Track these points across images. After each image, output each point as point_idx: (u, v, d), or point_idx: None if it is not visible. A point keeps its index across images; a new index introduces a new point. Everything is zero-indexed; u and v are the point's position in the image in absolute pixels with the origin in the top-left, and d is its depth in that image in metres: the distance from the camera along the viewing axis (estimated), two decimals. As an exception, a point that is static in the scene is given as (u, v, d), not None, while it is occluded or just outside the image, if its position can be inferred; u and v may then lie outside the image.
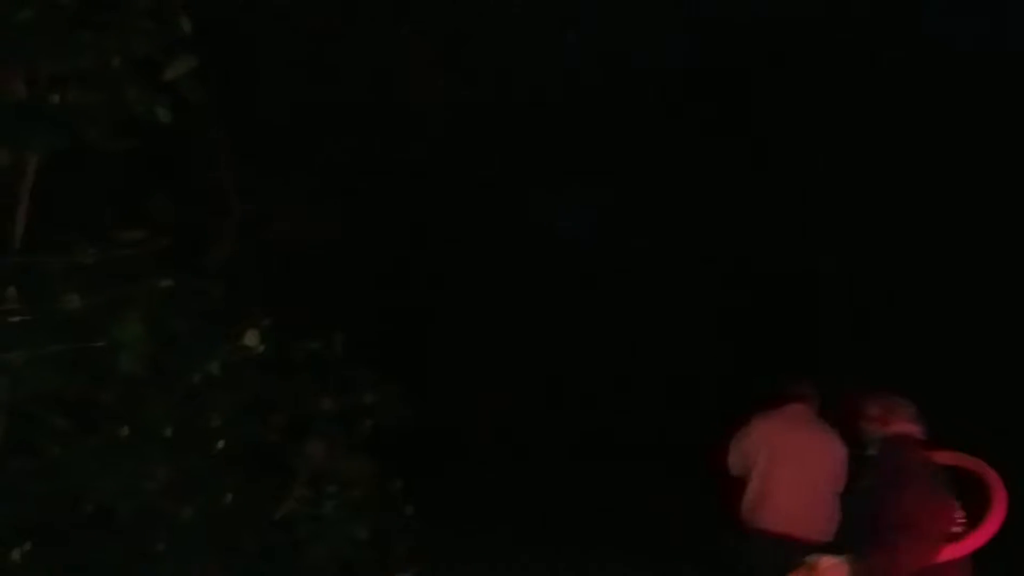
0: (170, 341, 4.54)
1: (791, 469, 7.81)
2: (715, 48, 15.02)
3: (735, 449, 8.12)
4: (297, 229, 11.78)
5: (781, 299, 15.04)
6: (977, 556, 5.15)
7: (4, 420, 4.37)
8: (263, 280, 9.55)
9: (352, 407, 5.25)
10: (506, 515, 13.18)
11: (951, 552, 4.96)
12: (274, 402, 5.06)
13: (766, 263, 15.09)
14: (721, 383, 14.65)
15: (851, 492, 5.46)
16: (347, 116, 12.09)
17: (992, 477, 5.16)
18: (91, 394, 4.45)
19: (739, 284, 15.23)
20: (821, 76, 14.80)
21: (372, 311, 12.81)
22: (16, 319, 4.17)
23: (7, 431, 4.38)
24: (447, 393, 13.53)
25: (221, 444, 4.86)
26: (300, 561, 5.18)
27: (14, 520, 4.30)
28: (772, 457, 7.89)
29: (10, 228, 4.41)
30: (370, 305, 13.10)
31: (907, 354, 13.60)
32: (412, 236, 14.54)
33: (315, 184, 12.10)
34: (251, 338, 4.75)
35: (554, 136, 14.27)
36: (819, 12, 14.71)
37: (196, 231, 9.28)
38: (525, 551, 12.16)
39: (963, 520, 5.02)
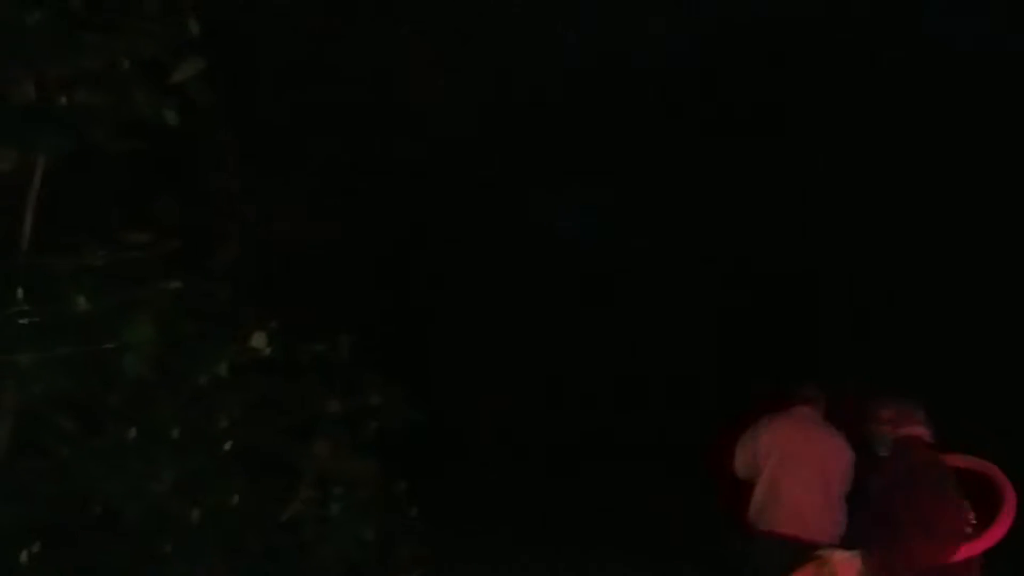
0: (177, 343, 4.54)
1: (801, 471, 7.81)
2: (715, 48, 15.02)
3: (743, 451, 8.11)
4: (298, 229, 11.77)
5: (781, 299, 15.04)
6: (984, 557, 5.16)
7: (13, 421, 4.38)
8: (268, 281, 9.55)
9: (358, 409, 5.25)
10: (506, 515, 13.19)
11: (962, 553, 4.97)
12: (280, 404, 5.06)
13: (766, 263, 15.09)
14: (721, 383, 14.67)
15: (860, 493, 5.46)
16: (347, 116, 12.09)
17: (1001, 479, 5.17)
18: (99, 396, 4.45)
19: (739, 284, 15.24)
20: (821, 76, 14.81)
21: (373, 311, 12.80)
22: (24, 321, 4.18)
23: (16, 432, 4.38)
24: (448, 394, 13.51)
25: (228, 446, 4.86)
26: (306, 562, 5.19)
27: (23, 521, 4.31)
28: (781, 459, 7.88)
29: (18, 230, 4.41)
30: (371, 305, 13.09)
31: (907, 354, 13.61)
32: (412, 236, 14.54)
33: (316, 184, 12.10)
34: (258, 340, 4.76)
35: (554, 136, 14.27)
36: (819, 12, 14.70)
37: (202, 233, 9.28)
38: (525, 551, 12.16)
39: (974, 522, 5.03)
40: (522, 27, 13.11)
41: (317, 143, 11.97)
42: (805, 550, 5.81)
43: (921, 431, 5.26)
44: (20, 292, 4.21)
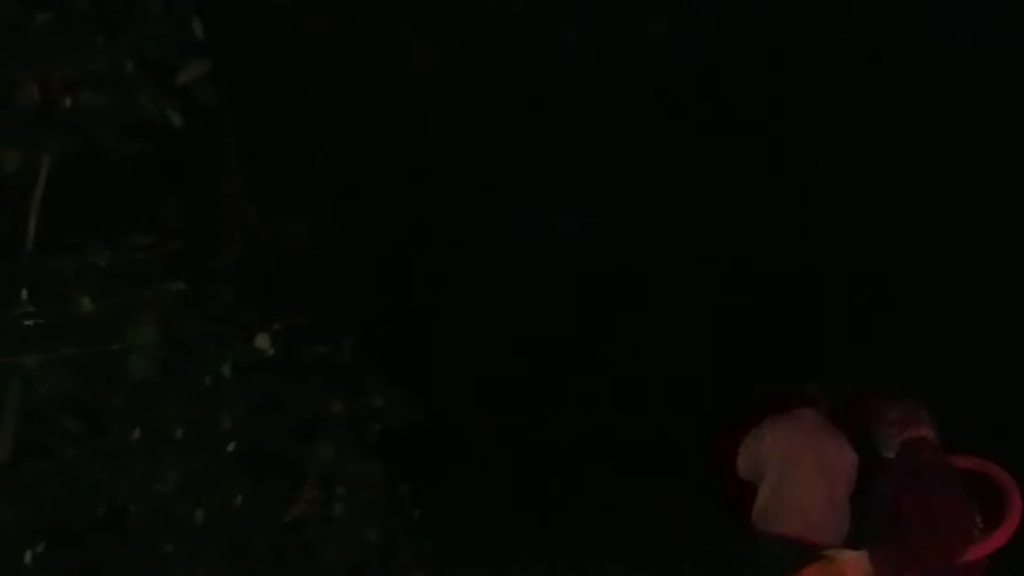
0: (181, 344, 4.55)
1: (804, 473, 7.81)
2: (715, 48, 15.01)
3: (747, 453, 8.11)
4: (299, 230, 11.78)
5: (781, 299, 15.04)
6: (988, 557, 5.17)
7: (17, 422, 4.38)
8: (270, 282, 9.54)
9: (361, 410, 5.25)
10: (507, 515, 13.20)
11: (969, 554, 4.98)
12: (284, 405, 5.07)
13: (766, 263, 15.08)
14: (721, 383, 14.67)
15: (868, 494, 5.47)
16: (349, 117, 12.09)
17: (1006, 481, 5.18)
18: (103, 397, 4.46)
19: (739, 284, 15.23)
20: (821, 76, 14.80)
21: (373, 312, 12.80)
22: (29, 322, 4.18)
23: (20, 433, 4.39)
24: (448, 394, 13.52)
25: (232, 447, 4.87)
26: (310, 563, 5.19)
27: (27, 521, 4.31)
28: (785, 461, 7.88)
29: (22, 230, 4.42)
30: (371, 306, 13.09)
31: (907, 354, 13.62)
32: (412, 236, 14.53)
33: (318, 185, 12.10)
34: (262, 341, 4.76)
35: (554, 136, 14.26)
36: (819, 12, 14.69)
37: (206, 234, 9.27)
38: (525, 551, 12.18)
39: (981, 524, 5.05)
40: (522, 27, 13.10)
41: (319, 144, 11.98)
42: (810, 552, 5.83)
43: (927, 432, 5.27)
44: (24, 293, 4.22)
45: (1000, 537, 5.02)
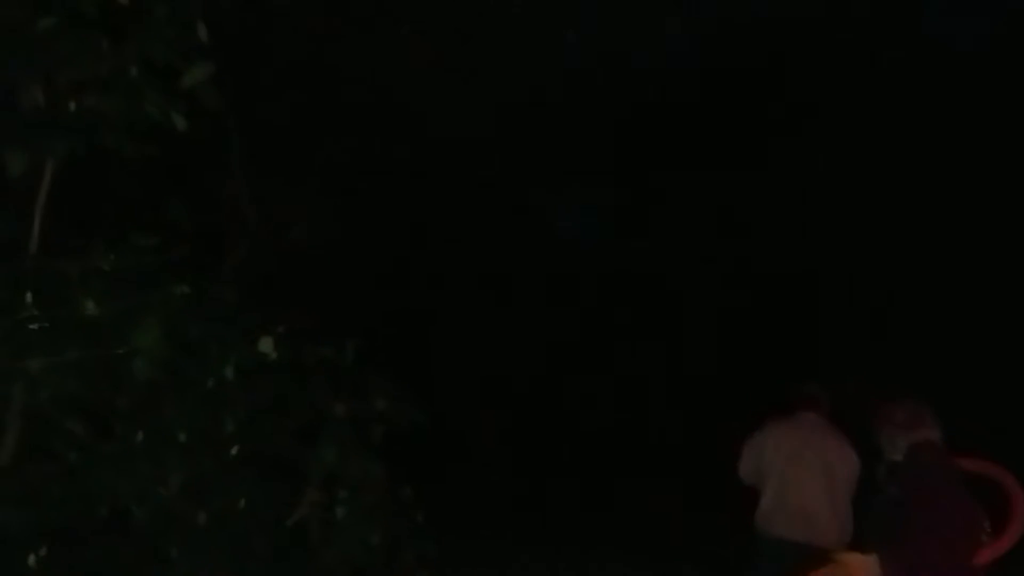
0: (185, 347, 4.55)
1: (807, 477, 7.82)
2: (715, 48, 15.02)
3: (749, 456, 8.11)
4: (301, 231, 11.79)
5: (781, 299, 15.05)
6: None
7: (22, 425, 4.39)
8: (273, 283, 9.56)
9: (364, 412, 5.25)
10: (507, 516, 13.20)
11: (978, 558, 4.97)
12: (287, 407, 5.06)
13: (766, 263, 15.09)
14: (721, 383, 14.68)
15: (875, 497, 5.44)
16: (347, 116, 12.09)
17: (1011, 484, 5.17)
18: (107, 400, 4.46)
19: (739, 284, 15.24)
20: (821, 76, 14.82)
21: (375, 313, 12.81)
22: (34, 325, 4.19)
23: (24, 436, 4.39)
24: (449, 395, 13.52)
25: (235, 449, 4.87)
26: (312, 565, 5.19)
27: (31, 524, 4.32)
28: (789, 465, 7.89)
29: (27, 233, 4.42)
30: (373, 307, 13.10)
31: (907, 354, 13.64)
32: (412, 236, 14.54)
33: (316, 185, 12.11)
34: (265, 344, 4.76)
35: (554, 136, 14.27)
36: (819, 12, 14.71)
37: (210, 237, 9.29)
38: (525, 551, 12.18)
39: (989, 529, 5.04)
40: (522, 27, 13.11)
41: (321, 146, 11.99)
42: (814, 555, 5.82)
43: (935, 434, 5.25)
44: (29, 296, 4.23)
45: (1007, 541, 5.02)
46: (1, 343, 4.13)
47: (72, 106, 4.26)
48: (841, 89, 14.75)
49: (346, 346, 5.24)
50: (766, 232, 15.11)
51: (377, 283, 13.88)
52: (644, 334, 15.57)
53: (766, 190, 14.94)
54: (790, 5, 14.76)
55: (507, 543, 12.16)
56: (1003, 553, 5.08)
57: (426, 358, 14.45)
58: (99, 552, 4.57)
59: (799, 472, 7.84)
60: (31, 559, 4.33)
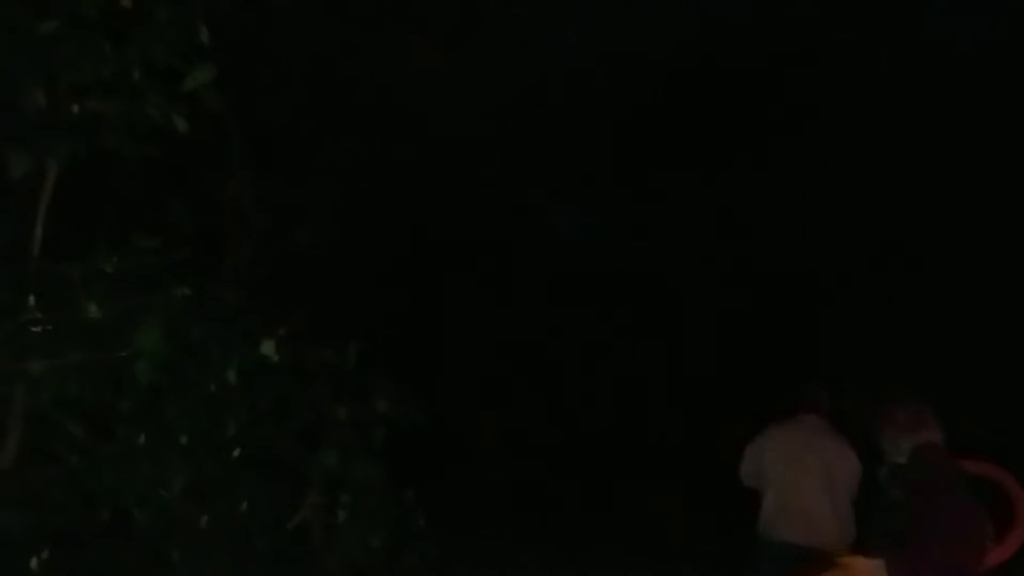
0: (186, 349, 4.55)
1: (808, 480, 7.81)
2: (715, 48, 15.03)
3: (750, 460, 8.09)
4: (303, 233, 11.79)
5: (781, 299, 15.04)
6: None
7: (23, 427, 4.39)
8: (275, 285, 9.56)
9: (366, 415, 5.25)
10: (507, 516, 13.20)
11: (984, 560, 4.97)
12: (289, 410, 5.06)
13: (766, 263, 15.08)
14: (721, 383, 14.67)
15: (879, 500, 5.43)
16: (348, 117, 12.09)
17: (1013, 485, 5.17)
18: (109, 402, 4.46)
19: (739, 284, 15.23)
20: (821, 76, 14.82)
21: (375, 313, 12.80)
22: (36, 328, 4.19)
23: (26, 439, 4.39)
24: (449, 396, 13.52)
25: (237, 452, 4.87)
26: (314, 568, 5.19)
27: (33, 527, 4.32)
28: (790, 467, 7.88)
29: (29, 235, 4.42)
30: (374, 308, 13.09)
31: (907, 355, 13.63)
32: (412, 236, 14.53)
33: (317, 186, 12.11)
34: (267, 347, 4.76)
35: (554, 136, 14.27)
36: (819, 12, 14.72)
37: (212, 239, 9.29)
38: (525, 551, 12.17)
39: (992, 531, 5.03)
40: (522, 27, 13.12)
41: (322, 147, 11.99)
42: (816, 557, 5.82)
43: (936, 436, 5.23)
44: (31, 298, 4.23)
45: (1011, 545, 5.01)
46: (3, 345, 4.13)
47: (74, 108, 4.26)
48: (841, 89, 14.75)
49: (348, 349, 5.24)
50: (766, 232, 15.10)
51: (378, 284, 13.87)
52: (644, 334, 15.55)
53: (766, 190, 14.93)
54: (790, 5, 14.78)
55: (507, 543, 12.15)
56: (1007, 558, 5.07)
57: (426, 358, 14.44)
58: (101, 555, 4.58)
59: (800, 475, 7.83)
60: (33, 562, 4.34)
